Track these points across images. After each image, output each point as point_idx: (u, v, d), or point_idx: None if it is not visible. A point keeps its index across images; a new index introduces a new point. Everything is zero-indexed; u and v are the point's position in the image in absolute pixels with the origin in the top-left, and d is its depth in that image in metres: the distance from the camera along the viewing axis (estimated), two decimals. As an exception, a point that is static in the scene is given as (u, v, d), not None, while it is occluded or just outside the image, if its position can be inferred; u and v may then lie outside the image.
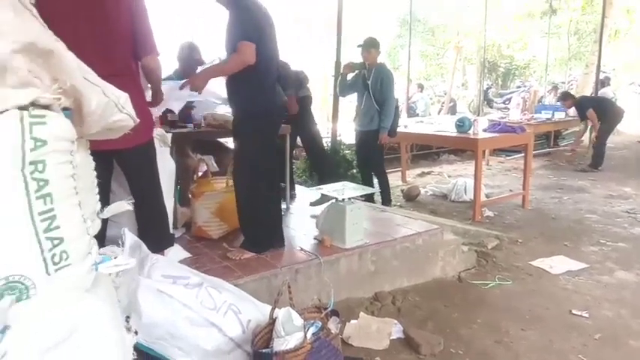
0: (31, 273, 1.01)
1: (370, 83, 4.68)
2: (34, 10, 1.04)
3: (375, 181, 4.97)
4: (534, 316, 2.85)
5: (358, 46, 4.78)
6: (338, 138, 6.13)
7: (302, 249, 2.99)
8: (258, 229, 2.88)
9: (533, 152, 7.70)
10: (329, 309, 2.08)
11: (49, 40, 1.02)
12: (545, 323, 2.76)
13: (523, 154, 5.66)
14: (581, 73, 13.35)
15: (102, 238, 1.94)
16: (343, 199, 3.05)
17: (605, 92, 9.82)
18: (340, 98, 5.65)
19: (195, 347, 2.02)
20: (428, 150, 8.49)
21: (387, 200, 4.93)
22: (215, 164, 3.84)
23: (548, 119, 7.68)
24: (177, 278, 2.16)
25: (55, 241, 1.03)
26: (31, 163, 1.00)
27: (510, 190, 5.98)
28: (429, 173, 7.41)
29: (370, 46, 4.71)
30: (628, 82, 16.93)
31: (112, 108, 1.18)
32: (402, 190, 5.98)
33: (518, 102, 8.00)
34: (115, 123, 1.22)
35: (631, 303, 3.02)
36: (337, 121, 5.98)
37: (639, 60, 16.94)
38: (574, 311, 2.89)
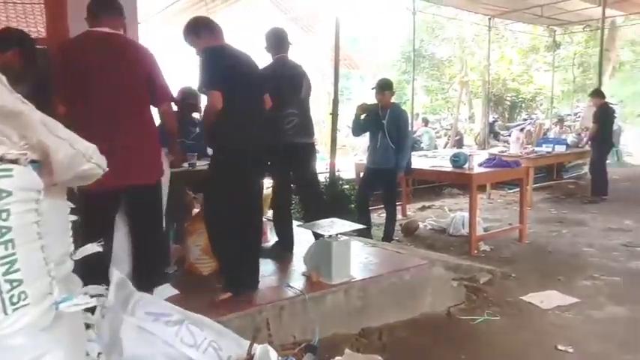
0: (-11, 312, 1.11)
1: (386, 124, 4.82)
2: (4, 79, 1.17)
3: (370, 214, 5.02)
4: (519, 351, 2.86)
5: (372, 89, 4.99)
6: (337, 173, 6.24)
7: (288, 285, 3.05)
8: (231, 270, 2.87)
9: (535, 185, 7.76)
10: (303, 345, 2.13)
11: (15, 103, 1.15)
12: (529, 359, 2.77)
13: (522, 188, 5.70)
14: (586, 105, 13.43)
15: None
16: (330, 235, 3.12)
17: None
18: (344, 134, 5.77)
19: (174, 382, 2.08)
20: (431, 184, 8.52)
21: (390, 235, 4.99)
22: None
23: (548, 152, 7.73)
24: (160, 315, 2.23)
25: (14, 283, 1.12)
26: (-5, 212, 1.11)
27: (509, 224, 5.99)
28: (429, 207, 7.42)
29: (384, 88, 4.90)
30: (636, 114, 17.03)
31: (80, 158, 1.30)
32: (401, 225, 6.00)
33: (517, 136, 8.07)
34: (84, 172, 1.34)
35: (620, 338, 3.02)
36: (335, 156, 6.12)
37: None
38: (559, 347, 2.89)
